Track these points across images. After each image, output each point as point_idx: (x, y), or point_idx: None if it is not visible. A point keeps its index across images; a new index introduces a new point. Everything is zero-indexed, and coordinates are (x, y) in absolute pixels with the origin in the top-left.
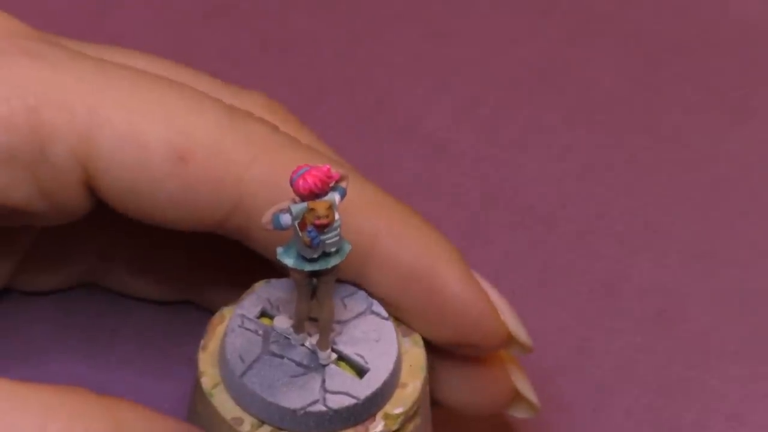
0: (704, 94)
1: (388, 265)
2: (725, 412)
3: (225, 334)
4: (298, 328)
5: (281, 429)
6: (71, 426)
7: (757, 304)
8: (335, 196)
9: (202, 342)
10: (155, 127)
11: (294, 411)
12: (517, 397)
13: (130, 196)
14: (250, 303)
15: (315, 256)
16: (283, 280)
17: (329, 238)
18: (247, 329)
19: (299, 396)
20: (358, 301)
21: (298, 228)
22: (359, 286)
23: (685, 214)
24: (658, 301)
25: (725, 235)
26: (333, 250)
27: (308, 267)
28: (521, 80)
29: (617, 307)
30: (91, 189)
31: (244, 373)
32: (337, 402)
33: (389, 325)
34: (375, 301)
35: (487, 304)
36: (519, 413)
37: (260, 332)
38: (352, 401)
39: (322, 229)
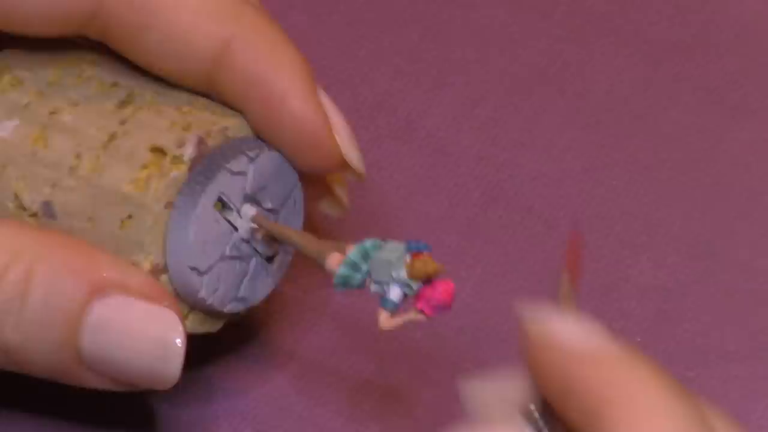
0: (704, 94)
1: (234, 70)
2: (725, 412)
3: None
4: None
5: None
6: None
7: (757, 304)
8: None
9: None
10: None
11: None
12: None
13: None
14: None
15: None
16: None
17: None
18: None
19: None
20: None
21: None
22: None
23: (685, 214)
24: (658, 301)
25: (725, 235)
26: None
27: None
28: (521, 80)
29: (616, 307)
30: None
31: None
32: None
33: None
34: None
35: (323, 124)
36: (328, 209)
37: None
38: None
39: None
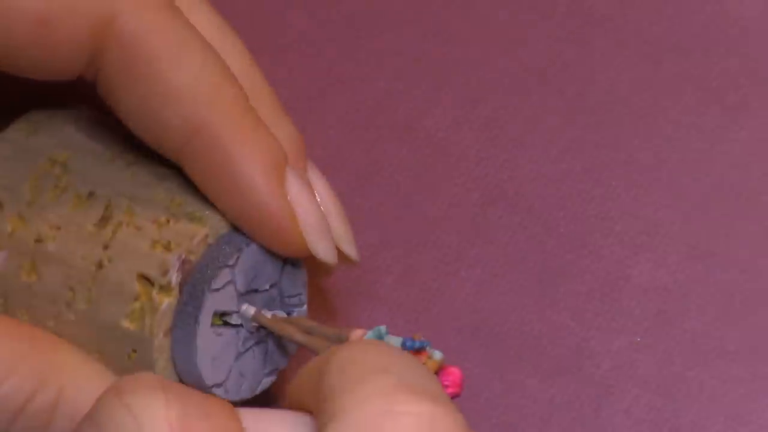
0: (704, 94)
1: (202, 158)
2: (725, 412)
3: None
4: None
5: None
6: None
7: (757, 304)
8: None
9: None
10: None
11: None
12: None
13: None
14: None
15: None
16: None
17: None
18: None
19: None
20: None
21: None
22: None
23: (685, 214)
24: (658, 301)
25: (725, 235)
26: None
27: None
28: (521, 80)
29: (617, 307)
30: None
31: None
32: None
33: None
34: None
35: (287, 216)
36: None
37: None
38: None
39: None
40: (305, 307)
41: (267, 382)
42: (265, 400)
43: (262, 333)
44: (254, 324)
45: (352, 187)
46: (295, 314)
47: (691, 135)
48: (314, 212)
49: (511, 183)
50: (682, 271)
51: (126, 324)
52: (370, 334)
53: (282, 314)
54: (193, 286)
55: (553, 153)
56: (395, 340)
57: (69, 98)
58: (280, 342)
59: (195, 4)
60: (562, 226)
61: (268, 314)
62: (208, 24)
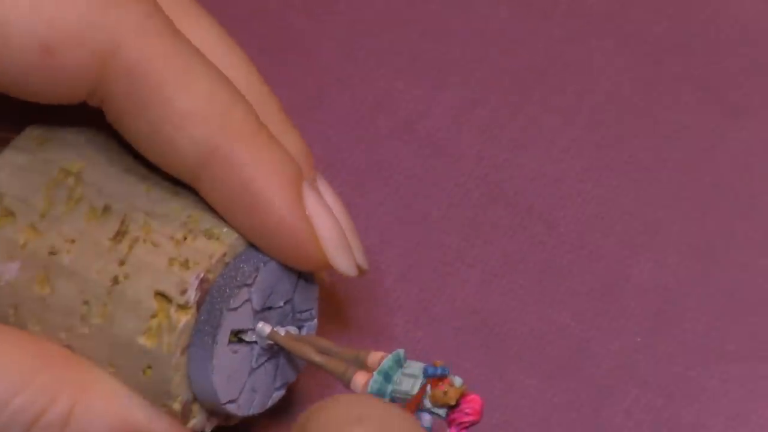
0: (704, 94)
1: (216, 180)
2: (725, 412)
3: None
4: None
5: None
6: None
7: (756, 304)
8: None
9: None
10: (21, 17)
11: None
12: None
13: None
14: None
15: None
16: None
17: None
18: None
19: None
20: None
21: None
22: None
23: (685, 214)
24: (658, 301)
25: (725, 235)
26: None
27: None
28: (521, 80)
29: (617, 307)
30: None
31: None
32: None
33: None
34: None
35: (307, 231)
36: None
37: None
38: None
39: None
40: (315, 321)
41: (277, 396)
42: (273, 414)
43: (275, 348)
44: (269, 342)
45: (352, 187)
46: (305, 328)
47: (691, 135)
48: (333, 226)
49: (511, 183)
50: (682, 271)
51: (142, 341)
52: (388, 359)
53: (294, 329)
54: (212, 306)
55: (553, 153)
56: (416, 366)
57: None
58: (291, 356)
59: (197, 19)
60: (562, 226)
61: (282, 331)
62: (211, 38)
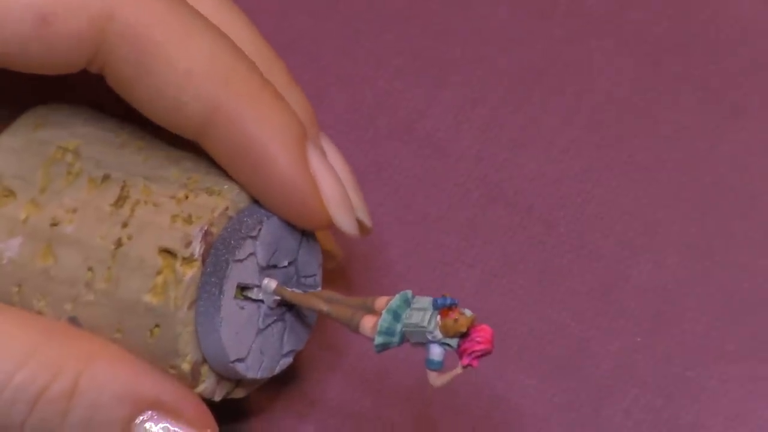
0: (704, 94)
1: (221, 136)
2: (725, 412)
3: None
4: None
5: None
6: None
7: (756, 304)
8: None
9: None
10: None
11: None
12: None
13: None
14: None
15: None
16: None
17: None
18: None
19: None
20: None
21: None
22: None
23: (685, 214)
24: (658, 301)
25: (725, 235)
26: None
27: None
28: (521, 80)
29: (617, 307)
30: None
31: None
32: None
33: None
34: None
35: (310, 188)
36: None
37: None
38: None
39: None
40: (320, 288)
41: (285, 363)
42: (282, 380)
43: (282, 310)
44: (275, 299)
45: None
46: None
47: (691, 135)
48: (336, 184)
49: (511, 183)
50: (681, 271)
51: (149, 298)
52: (396, 299)
53: (299, 292)
54: (216, 257)
55: (553, 153)
56: (425, 300)
57: (70, 94)
58: (298, 322)
59: None
60: (562, 226)
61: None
62: (213, 2)
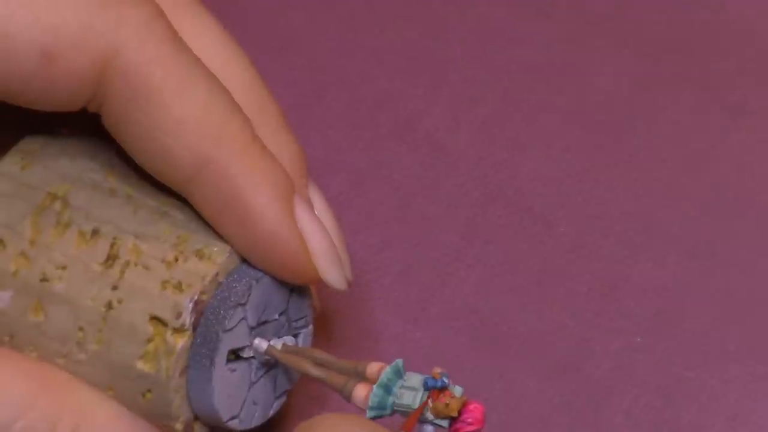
0: (704, 94)
1: (209, 191)
2: (725, 412)
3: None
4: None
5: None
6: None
7: (756, 304)
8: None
9: None
10: (21, 25)
11: None
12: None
13: None
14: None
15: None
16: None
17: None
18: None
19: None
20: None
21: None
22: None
23: (685, 214)
24: (658, 301)
25: (725, 235)
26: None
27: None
28: (520, 80)
29: (616, 307)
30: None
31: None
32: None
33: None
34: None
35: (298, 244)
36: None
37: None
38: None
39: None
40: (311, 327)
41: (278, 404)
42: (275, 421)
43: (273, 361)
44: (266, 358)
45: (351, 186)
46: (301, 335)
47: (691, 135)
48: (324, 239)
49: (511, 183)
50: (682, 271)
51: (140, 365)
52: (387, 371)
53: (291, 339)
54: (207, 329)
55: (553, 153)
56: (415, 379)
57: (64, 123)
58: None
59: (199, 20)
60: (562, 226)
61: (279, 343)
62: (212, 40)
